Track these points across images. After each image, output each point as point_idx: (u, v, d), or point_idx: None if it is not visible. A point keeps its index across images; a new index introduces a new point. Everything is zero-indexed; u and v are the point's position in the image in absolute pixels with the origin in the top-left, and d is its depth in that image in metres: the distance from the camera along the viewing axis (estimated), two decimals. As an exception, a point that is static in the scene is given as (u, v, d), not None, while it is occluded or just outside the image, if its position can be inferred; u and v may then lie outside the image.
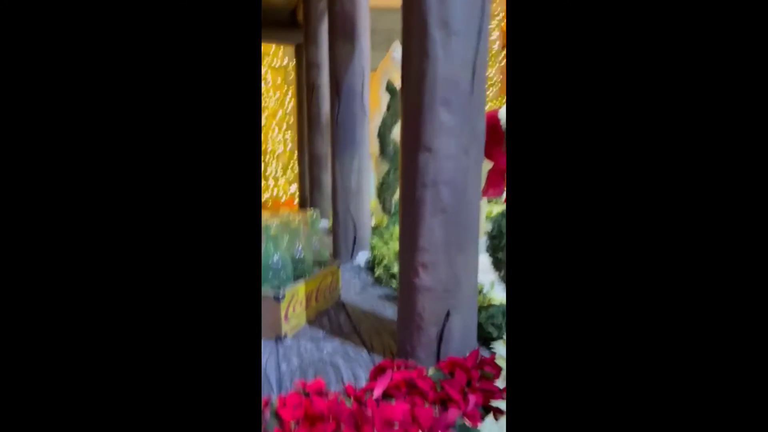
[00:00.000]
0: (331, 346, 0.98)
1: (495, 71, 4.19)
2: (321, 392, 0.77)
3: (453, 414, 0.67)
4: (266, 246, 1.04)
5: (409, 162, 0.80)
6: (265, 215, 1.18)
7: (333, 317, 1.16)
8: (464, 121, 0.76)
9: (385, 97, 2.15)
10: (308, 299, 1.11)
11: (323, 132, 2.57)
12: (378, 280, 1.43)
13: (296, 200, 3.84)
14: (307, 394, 0.76)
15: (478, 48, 0.75)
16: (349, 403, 0.73)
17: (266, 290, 1.01)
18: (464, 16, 0.73)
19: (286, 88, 4.18)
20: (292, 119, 4.09)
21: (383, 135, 2.12)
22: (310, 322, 1.12)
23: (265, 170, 4.23)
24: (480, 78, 0.77)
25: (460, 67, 0.74)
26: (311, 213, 1.26)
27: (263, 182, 4.18)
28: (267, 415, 0.72)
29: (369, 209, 1.76)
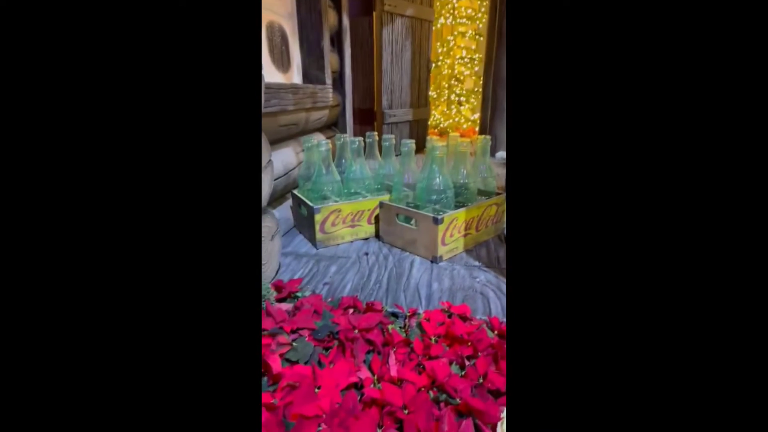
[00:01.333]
0: (484, 276, 0.95)
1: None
2: (465, 317, 0.77)
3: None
4: (430, 167, 1.04)
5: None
6: (435, 138, 1.17)
7: (492, 250, 1.11)
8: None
9: None
10: (468, 227, 1.09)
11: (513, 49, 2.29)
12: (551, 220, 1.28)
13: (477, 128, 3.67)
14: (450, 315, 0.78)
15: None
16: (491, 335, 0.71)
17: (427, 211, 1.03)
18: None
19: (479, 2, 3.81)
20: (483, 39, 3.77)
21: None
22: (468, 250, 1.11)
23: (449, 96, 4.14)
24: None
25: None
26: (482, 138, 1.18)
27: (446, 109, 4.12)
28: (413, 323, 0.78)
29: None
